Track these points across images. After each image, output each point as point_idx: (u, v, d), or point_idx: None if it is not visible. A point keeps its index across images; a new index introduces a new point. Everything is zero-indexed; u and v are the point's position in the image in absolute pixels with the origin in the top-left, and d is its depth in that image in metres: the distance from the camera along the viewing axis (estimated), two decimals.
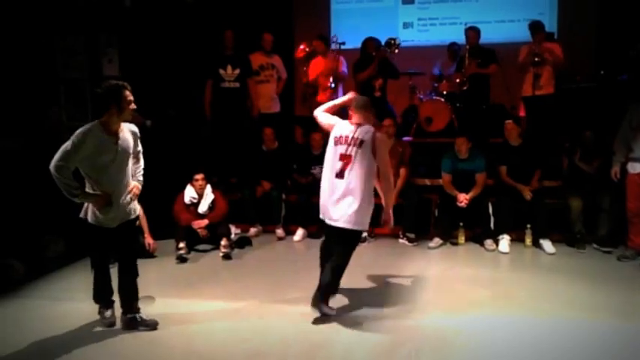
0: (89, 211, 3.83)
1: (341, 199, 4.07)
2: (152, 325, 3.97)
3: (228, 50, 7.10)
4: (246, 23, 7.93)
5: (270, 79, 7.43)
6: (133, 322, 3.97)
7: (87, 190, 3.74)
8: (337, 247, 4.14)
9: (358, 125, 4.19)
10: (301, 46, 7.49)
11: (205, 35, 7.61)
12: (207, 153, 7.10)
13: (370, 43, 7.32)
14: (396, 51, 7.17)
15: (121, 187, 3.81)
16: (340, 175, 4.08)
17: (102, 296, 4.08)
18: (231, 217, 6.32)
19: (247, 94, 7.20)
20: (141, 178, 4.05)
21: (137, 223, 4.65)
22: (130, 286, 3.99)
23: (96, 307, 4.10)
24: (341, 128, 4.23)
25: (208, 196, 6.03)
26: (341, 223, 4.06)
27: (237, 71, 7.07)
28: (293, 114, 8.41)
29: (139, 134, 4.01)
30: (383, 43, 7.24)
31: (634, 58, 6.55)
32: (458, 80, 7.32)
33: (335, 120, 4.36)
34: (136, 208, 4.03)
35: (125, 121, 3.81)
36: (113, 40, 7.08)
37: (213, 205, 6.02)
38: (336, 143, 4.18)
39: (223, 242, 5.74)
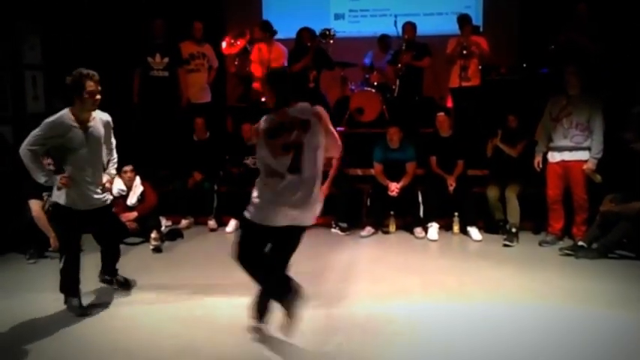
0: (62, 194, 3.89)
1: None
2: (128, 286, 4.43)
3: (157, 38, 6.94)
4: (177, 11, 7.75)
5: (200, 68, 7.31)
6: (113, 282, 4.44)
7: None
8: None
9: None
10: (224, 44, 7.37)
11: (134, 23, 7.38)
12: (136, 143, 6.91)
13: (305, 33, 7.25)
14: (331, 42, 7.20)
15: (90, 171, 3.96)
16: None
17: (71, 285, 4.05)
18: (162, 210, 6.20)
19: (177, 84, 7.05)
20: (113, 172, 4.29)
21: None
22: (115, 257, 4.43)
23: None
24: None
25: (137, 188, 5.88)
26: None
27: (167, 60, 6.93)
28: (224, 104, 8.30)
29: (112, 125, 4.15)
30: (317, 33, 7.23)
31: (554, 52, 6.81)
32: (400, 71, 7.38)
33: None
34: (109, 197, 4.22)
35: (89, 110, 3.92)
36: (36, 26, 6.78)
37: (142, 197, 5.88)
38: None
39: (153, 235, 5.61)
